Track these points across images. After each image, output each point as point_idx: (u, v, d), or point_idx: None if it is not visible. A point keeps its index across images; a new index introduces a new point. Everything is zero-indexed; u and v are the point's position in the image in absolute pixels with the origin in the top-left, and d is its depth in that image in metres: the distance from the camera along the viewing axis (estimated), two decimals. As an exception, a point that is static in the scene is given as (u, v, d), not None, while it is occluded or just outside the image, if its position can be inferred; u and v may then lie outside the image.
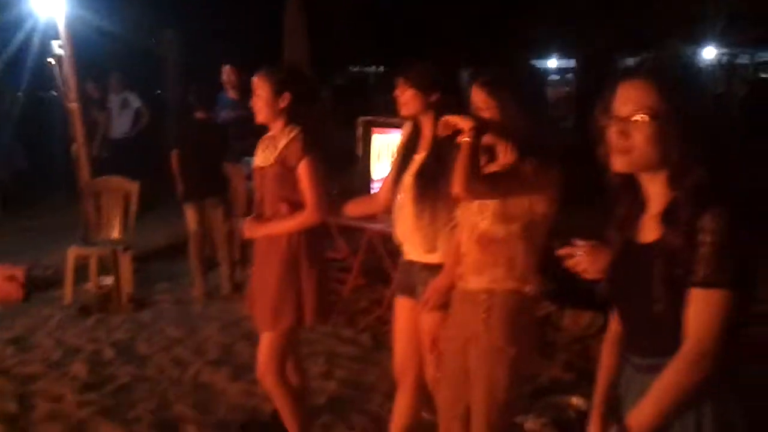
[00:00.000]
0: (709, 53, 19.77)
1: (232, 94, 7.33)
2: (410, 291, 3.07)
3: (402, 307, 3.18)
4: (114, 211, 6.32)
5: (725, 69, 22.40)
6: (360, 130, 5.80)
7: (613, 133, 1.69)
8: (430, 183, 2.91)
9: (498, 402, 2.56)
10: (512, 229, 2.50)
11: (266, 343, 3.24)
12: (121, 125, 9.57)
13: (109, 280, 6.12)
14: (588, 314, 5.00)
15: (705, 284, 1.61)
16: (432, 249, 2.96)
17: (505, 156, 2.54)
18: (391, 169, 3.20)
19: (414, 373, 3.18)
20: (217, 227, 6.30)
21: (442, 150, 2.87)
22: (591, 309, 4.97)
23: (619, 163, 1.71)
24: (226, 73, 7.34)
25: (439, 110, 2.91)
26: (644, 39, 17.26)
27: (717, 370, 1.64)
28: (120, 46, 11.43)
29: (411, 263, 3.08)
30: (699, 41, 18.21)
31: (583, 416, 3.36)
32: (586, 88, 14.54)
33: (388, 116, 6.01)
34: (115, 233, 6.27)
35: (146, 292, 6.28)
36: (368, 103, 13.24)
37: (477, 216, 2.54)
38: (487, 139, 2.51)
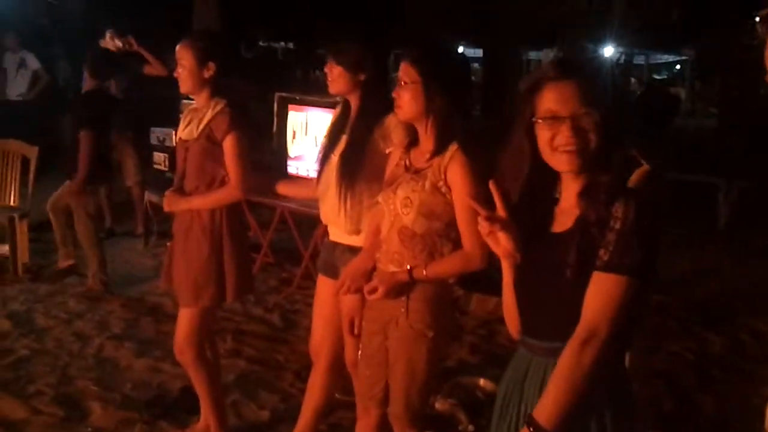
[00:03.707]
0: (608, 52, 20.52)
1: None
2: (333, 272, 3.04)
3: (323, 286, 3.15)
4: (10, 177, 6.01)
5: (622, 68, 23.37)
6: (276, 106, 5.72)
7: (564, 131, 1.71)
8: (355, 164, 2.89)
9: (417, 383, 2.59)
10: (434, 225, 2.50)
11: (186, 319, 3.16)
12: (17, 86, 9.07)
13: (4, 249, 5.82)
14: (494, 299, 5.12)
15: (606, 268, 1.66)
16: (356, 231, 2.94)
17: (426, 141, 2.53)
18: (320, 148, 3.17)
19: (329, 353, 3.16)
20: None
21: (366, 132, 2.87)
22: (497, 294, 5.09)
23: (569, 162, 1.73)
24: (109, 37, 6.84)
25: (365, 90, 2.93)
26: (546, 34, 17.78)
27: (611, 355, 1.69)
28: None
29: (335, 244, 3.06)
30: (598, 40, 18.91)
31: (490, 398, 3.47)
32: (492, 78, 14.84)
33: (302, 93, 5.96)
34: (12, 200, 5.97)
35: (44, 262, 6.02)
36: (278, 78, 13.05)
37: (401, 209, 2.52)
38: (409, 120, 2.52)
